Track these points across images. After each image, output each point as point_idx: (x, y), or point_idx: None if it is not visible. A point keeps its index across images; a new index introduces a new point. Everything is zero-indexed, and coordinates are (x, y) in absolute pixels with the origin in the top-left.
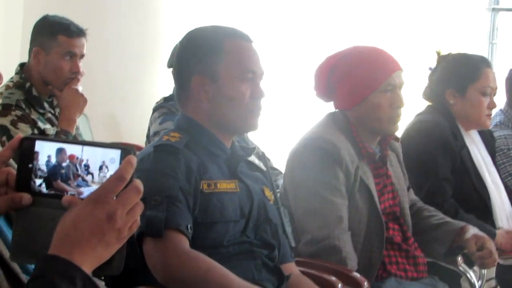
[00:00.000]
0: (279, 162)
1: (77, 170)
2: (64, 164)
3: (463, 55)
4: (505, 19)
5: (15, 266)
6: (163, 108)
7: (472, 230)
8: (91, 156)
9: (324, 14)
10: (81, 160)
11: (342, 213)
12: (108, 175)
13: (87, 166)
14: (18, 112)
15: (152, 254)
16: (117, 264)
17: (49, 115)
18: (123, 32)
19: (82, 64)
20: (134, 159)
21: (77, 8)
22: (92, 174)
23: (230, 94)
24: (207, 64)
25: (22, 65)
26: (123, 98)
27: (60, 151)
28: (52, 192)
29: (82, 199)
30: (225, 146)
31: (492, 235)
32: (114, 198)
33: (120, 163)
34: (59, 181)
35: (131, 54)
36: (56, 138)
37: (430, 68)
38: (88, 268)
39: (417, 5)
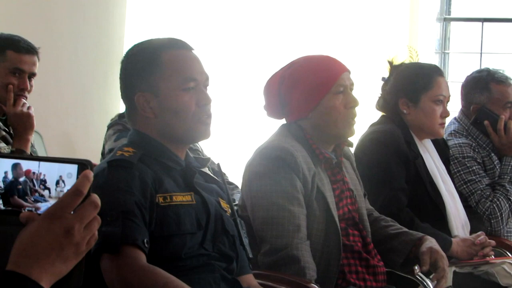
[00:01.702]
0: (236, 177)
1: (34, 185)
2: (21, 180)
3: (415, 65)
4: (456, 29)
5: None
6: (118, 125)
7: (429, 243)
8: (48, 171)
9: (279, 28)
10: (38, 175)
11: (300, 222)
12: (65, 190)
13: (44, 181)
14: None
15: (109, 270)
16: (76, 280)
17: (3, 133)
18: (77, 49)
19: (34, 83)
20: (90, 174)
21: (30, 26)
22: (49, 189)
23: (174, 106)
24: (147, 80)
25: None
26: (77, 116)
27: (15, 166)
28: (9, 208)
29: (39, 214)
30: (179, 158)
31: (448, 244)
32: (72, 213)
33: (77, 178)
34: (16, 197)
35: (84, 71)
36: (12, 154)
37: (383, 78)
38: (46, 283)
39: (368, 16)
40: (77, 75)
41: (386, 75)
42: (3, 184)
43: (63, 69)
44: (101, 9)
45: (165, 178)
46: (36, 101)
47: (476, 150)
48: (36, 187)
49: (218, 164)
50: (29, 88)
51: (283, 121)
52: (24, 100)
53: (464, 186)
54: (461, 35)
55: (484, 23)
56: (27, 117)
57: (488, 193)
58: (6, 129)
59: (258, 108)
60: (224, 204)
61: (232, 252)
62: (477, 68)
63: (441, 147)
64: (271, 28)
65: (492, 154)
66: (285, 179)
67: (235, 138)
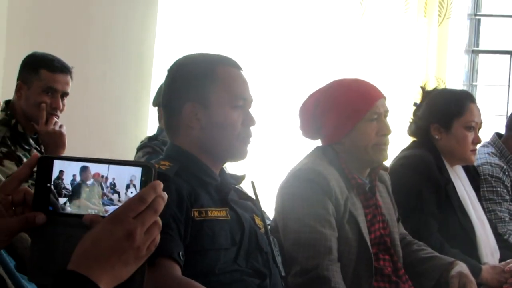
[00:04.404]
0: (266, 198)
1: (102, 188)
2: (88, 183)
3: (448, 91)
4: (484, 61)
5: None
6: (147, 147)
7: (459, 267)
8: (118, 175)
9: (314, 50)
10: (106, 179)
11: (331, 244)
12: (133, 194)
13: (113, 185)
14: (4, 149)
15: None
16: (137, 285)
17: (35, 151)
18: (106, 72)
19: (65, 103)
20: (160, 186)
21: (59, 47)
22: (119, 193)
23: (222, 121)
24: (199, 91)
25: (7, 102)
26: (103, 139)
27: (84, 169)
28: (75, 211)
29: (103, 217)
30: (215, 173)
31: (478, 270)
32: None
33: (141, 180)
34: (83, 199)
35: (112, 94)
36: (76, 157)
37: (415, 104)
38: (105, 286)
39: (396, 46)
40: (105, 98)
41: (418, 101)
42: (71, 187)
43: (91, 92)
44: (131, 35)
45: (200, 193)
46: (61, 122)
47: (506, 173)
48: (105, 191)
49: (252, 182)
50: (61, 107)
51: (318, 142)
52: (56, 119)
53: (486, 202)
54: (489, 68)
55: None
56: (59, 135)
57: (507, 219)
58: (38, 147)
59: (292, 129)
60: (258, 221)
61: (265, 269)
62: (505, 101)
63: (472, 174)
64: (304, 49)
65: None
66: (317, 202)
67: (267, 159)
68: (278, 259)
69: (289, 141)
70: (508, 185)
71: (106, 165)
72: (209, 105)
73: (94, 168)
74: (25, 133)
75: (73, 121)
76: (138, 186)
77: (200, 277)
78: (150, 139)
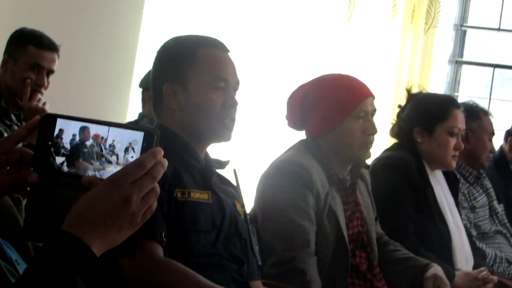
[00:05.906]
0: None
1: (101, 150)
2: (87, 143)
3: (433, 95)
4: (468, 72)
5: None
6: None
7: (434, 270)
8: (118, 137)
9: (299, 46)
10: (106, 140)
11: (309, 237)
12: (133, 158)
13: (112, 147)
14: None
15: (127, 265)
16: (130, 251)
17: (16, 128)
18: (91, 53)
19: (50, 81)
20: (160, 153)
21: (47, 24)
22: (117, 155)
23: (200, 102)
24: (179, 72)
25: None
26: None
27: (83, 130)
28: (73, 171)
29: (102, 179)
30: (200, 156)
31: (451, 276)
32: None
33: (142, 146)
34: (81, 160)
35: (96, 76)
36: (80, 117)
37: (400, 106)
38: (97, 249)
39: (380, 51)
40: (89, 79)
41: (402, 103)
42: (70, 146)
43: (74, 72)
44: (118, 18)
45: (184, 174)
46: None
47: (461, 181)
48: (103, 152)
49: (234, 170)
50: (46, 84)
51: (303, 133)
52: (40, 96)
53: None
54: (471, 79)
55: (496, 69)
56: (42, 112)
57: (468, 225)
58: (19, 124)
59: (276, 121)
60: (239, 207)
61: (243, 255)
62: None
63: (451, 179)
64: (290, 49)
65: (475, 185)
66: (298, 194)
67: (249, 148)
68: (256, 248)
69: (273, 131)
70: (465, 192)
71: (107, 127)
72: (189, 86)
73: (94, 129)
74: (7, 108)
75: (56, 99)
76: (138, 151)
77: (179, 258)
78: (131, 124)
